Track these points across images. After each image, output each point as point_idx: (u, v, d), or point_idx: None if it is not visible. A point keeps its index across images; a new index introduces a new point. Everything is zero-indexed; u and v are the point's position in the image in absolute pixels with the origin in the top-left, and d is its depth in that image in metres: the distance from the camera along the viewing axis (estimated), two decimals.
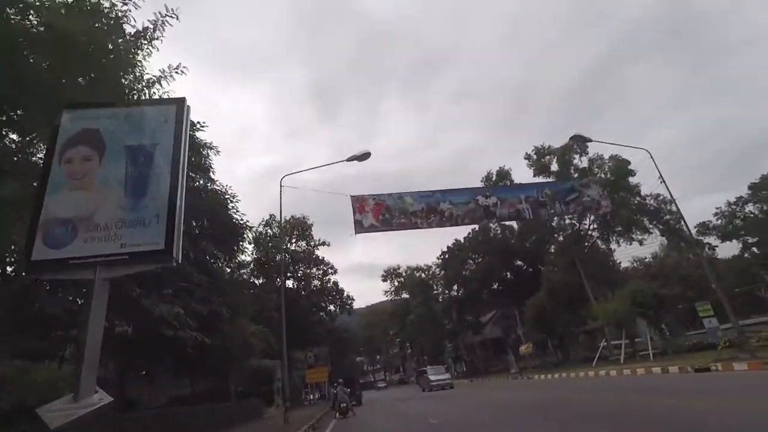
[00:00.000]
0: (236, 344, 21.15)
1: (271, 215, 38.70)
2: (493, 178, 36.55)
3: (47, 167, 5.23)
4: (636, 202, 31.10)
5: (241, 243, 22.47)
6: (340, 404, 17.84)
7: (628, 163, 30.33)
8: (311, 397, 37.99)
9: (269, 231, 37.93)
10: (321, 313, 38.59)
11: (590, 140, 21.36)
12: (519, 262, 46.40)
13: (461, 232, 50.49)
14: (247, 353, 28.54)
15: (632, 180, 30.68)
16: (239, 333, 21.51)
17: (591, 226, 32.15)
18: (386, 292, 76.18)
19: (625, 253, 57.07)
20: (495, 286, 49.83)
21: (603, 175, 30.74)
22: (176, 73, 6.44)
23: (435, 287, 61.49)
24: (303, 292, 37.01)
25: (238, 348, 21.31)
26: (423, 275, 62.35)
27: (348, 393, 19.34)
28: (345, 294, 38.72)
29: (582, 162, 31.60)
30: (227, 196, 19.48)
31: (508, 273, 46.49)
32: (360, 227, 14.30)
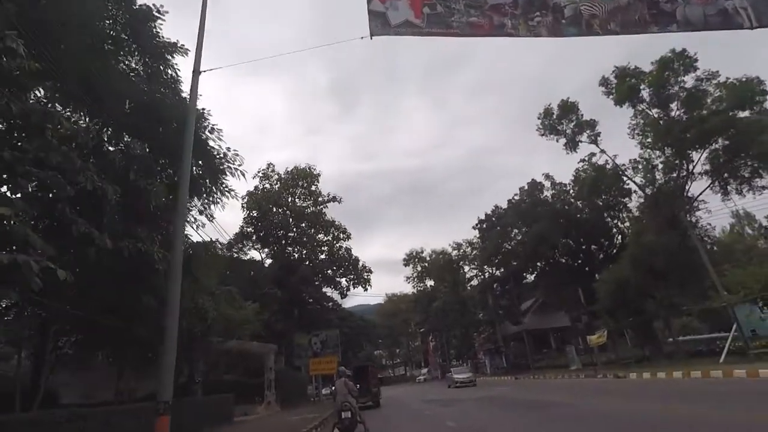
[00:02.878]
0: (196, 314, 13.54)
1: (269, 164, 31.25)
2: None
3: None
4: None
5: (221, 182, 15.23)
6: (342, 412, 9.98)
7: (760, 83, 21.40)
8: (318, 392, 30.37)
9: (266, 186, 30.38)
10: (330, 288, 30.80)
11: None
12: (567, 239, 37.53)
13: (501, 196, 41.79)
14: (225, 332, 21.08)
15: None
16: (203, 301, 13.90)
17: (697, 170, 23.13)
18: (408, 278, 68.22)
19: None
20: (542, 265, 41.10)
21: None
22: None
23: (467, 267, 53.06)
24: (308, 262, 29.33)
25: (197, 318, 13.64)
26: (453, 254, 53.96)
27: (357, 390, 11.56)
28: (360, 264, 30.82)
29: (686, 81, 22.66)
30: (205, 122, 14.07)
31: (560, 248, 37.74)
32: (380, 24, 6.38)
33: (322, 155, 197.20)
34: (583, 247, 36.42)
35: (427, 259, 66.78)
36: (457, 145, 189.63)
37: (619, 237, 34.49)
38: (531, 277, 42.84)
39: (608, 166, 27.39)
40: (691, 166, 23.06)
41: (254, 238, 28.56)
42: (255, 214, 27.90)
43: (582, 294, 28.51)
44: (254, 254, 30.44)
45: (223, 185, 15.97)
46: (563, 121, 27.39)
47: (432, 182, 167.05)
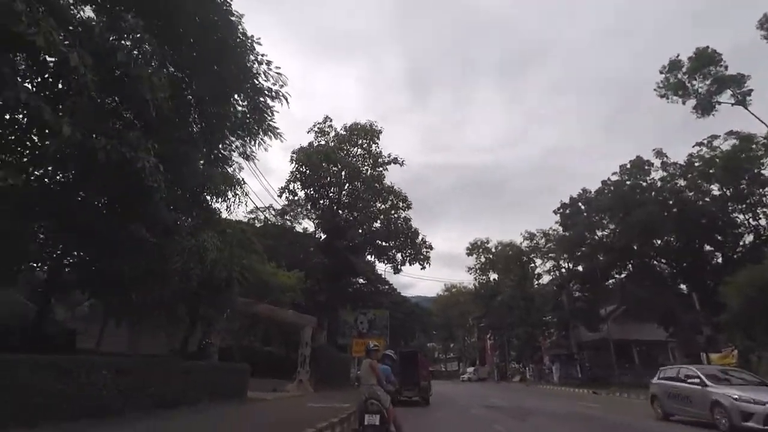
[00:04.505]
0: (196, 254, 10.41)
1: (326, 118, 27.94)
2: None
3: None
4: None
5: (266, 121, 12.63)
6: (366, 415, 6.18)
7: None
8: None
9: (321, 142, 27.18)
10: (383, 261, 27.10)
11: None
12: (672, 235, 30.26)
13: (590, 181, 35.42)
14: (255, 294, 18.19)
15: None
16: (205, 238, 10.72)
17: None
18: (470, 268, 63.23)
19: None
20: (633, 263, 34.41)
21: None
22: None
23: (538, 261, 47.04)
24: (360, 230, 25.84)
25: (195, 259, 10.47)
26: (524, 245, 48.14)
27: (397, 383, 7.59)
28: (420, 238, 26.74)
29: None
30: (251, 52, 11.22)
31: (662, 244, 30.89)
32: None
33: (391, 144, 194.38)
34: (696, 245, 29.39)
35: (493, 250, 61.36)
36: (529, 144, 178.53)
37: (750, 236, 27.20)
38: (618, 278, 36.15)
39: (760, 138, 20.67)
40: None
41: (301, 195, 25.55)
42: (304, 169, 24.86)
43: (697, 300, 22.35)
44: (308, 225, 27.66)
45: (268, 124, 12.91)
46: (696, 77, 21.02)
47: (500, 180, 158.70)
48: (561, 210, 36.08)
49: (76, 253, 10.93)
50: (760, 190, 24.95)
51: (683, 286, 33.68)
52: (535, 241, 46.52)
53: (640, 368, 39.98)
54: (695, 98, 21.55)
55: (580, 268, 35.64)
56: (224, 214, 12.93)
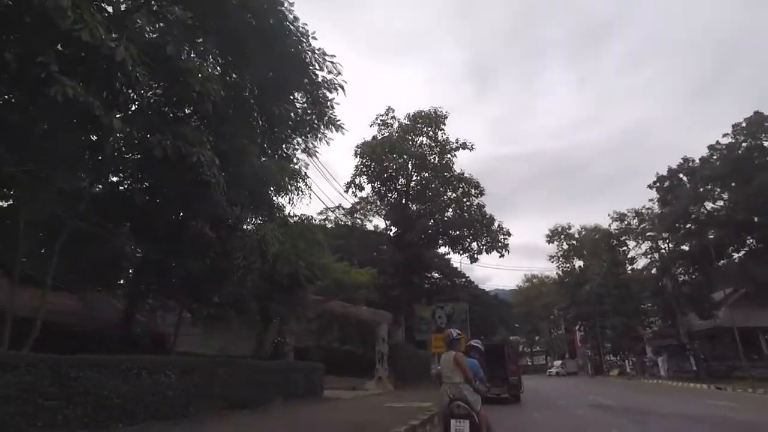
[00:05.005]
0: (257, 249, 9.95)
1: (388, 109, 27.00)
2: None
3: None
4: None
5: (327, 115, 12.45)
6: (452, 420, 4.97)
7: None
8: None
9: (385, 134, 26.32)
10: (458, 251, 25.60)
11: None
12: None
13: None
14: (328, 291, 17.77)
15: None
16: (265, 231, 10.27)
17: None
18: (551, 257, 59.42)
19: None
20: (754, 240, 29.47)
21: None
22: None
23: (631, 244, 42.41)
24: (431, 220, 24.61)
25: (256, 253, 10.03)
26: (613, 226, 43.78)
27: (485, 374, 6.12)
28: (496, 224, 24.86)
29: None
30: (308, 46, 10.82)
31: None
32: None
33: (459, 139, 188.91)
34: None
35: (576, 235, 57.04)
36: (606, 124, 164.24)
37: None
38: (736, 256, 31.16)
39: None
40: None
41: (368, 190, 24.90)
42: (369, 162, 24.15)
43: None
44: (378, 222, 27.08)
45: (329, 117, 12.45)
46: None
47: (577, 164, 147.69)
48: (658, 183, 31.78)
49: (151, 256, 11.02)
50: None
51: None
52: (626, 222, 42.00)
53: None
54: None
55: (685, 247, 31.14)
56: (288, 209, 12.50)
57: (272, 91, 11.46)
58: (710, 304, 37.13)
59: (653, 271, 38.19)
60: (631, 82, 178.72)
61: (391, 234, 25.64)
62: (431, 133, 25.81)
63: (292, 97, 12.37)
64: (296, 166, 12.93)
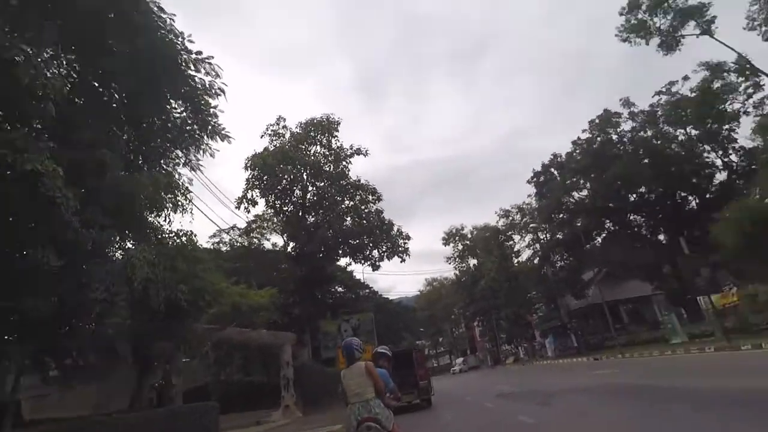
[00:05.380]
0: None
1: (279, 118, 25.71)
2: None
3: None
4: None
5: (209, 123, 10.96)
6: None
7: None
8: None
9: (277, 145, 24.94)
10: (359, 261, 25.11)
11: None
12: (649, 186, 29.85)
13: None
14: (221, 318, 15.89)
15: None
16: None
17: None
18: (448, 258, 62.20)
19: None
20: (611, 223, 33.97)
21: None
22: None
23: (516, 237, 46.24)
24: (330, 231, 23.78)
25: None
26: (500, 223, 47.33)
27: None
28: (396, 229, 24.93)
29: None
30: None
31: (637, 197, 30.43)
32: None
33: (354, 145, 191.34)
34: (670, 193, 29.03)
35: (469, 236, 60.53)
36: (490, 130, 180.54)
37: (723, 174, 27.04)
38: (599, 239, 35.66)
39: (728, 64, 20.14)
40: None
41: (262, 204, 23.26)
42: (260, 174, 22.55)
43: (685, 244, 21.65)
44: (277, 239, 25.43)
45: (213, 125, 11.03)
46: (657, 13, 20.29)
47: (467, 170, 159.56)
48: (534, 179, 35.19)
49: None
50: (728, 125, 24.79)
51: (661, 237, 33.55)
52: (510, 218, 45.78)
53: (631, 326, 39.80)
54: (658, 36, 20.94)
55: (560, 235, 34.77)
56: (166, 227, 10.72)
57: (143, 98, 9.87)
58: (582, 285, 41.99)
59: (536, 261, 41.94)
60: (506, 93, 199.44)
61: (290, 249, 24.26)
62: (325, 140, 25.13)
63: (169, 106, 10.86)
64: (175, 179, 11.25)
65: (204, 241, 21.55)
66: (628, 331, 37.62)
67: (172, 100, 10.75)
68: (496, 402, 12.95)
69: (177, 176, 11.78)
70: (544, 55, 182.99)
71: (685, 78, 25.27)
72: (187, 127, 11.31)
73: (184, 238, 10.07)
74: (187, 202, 11.36)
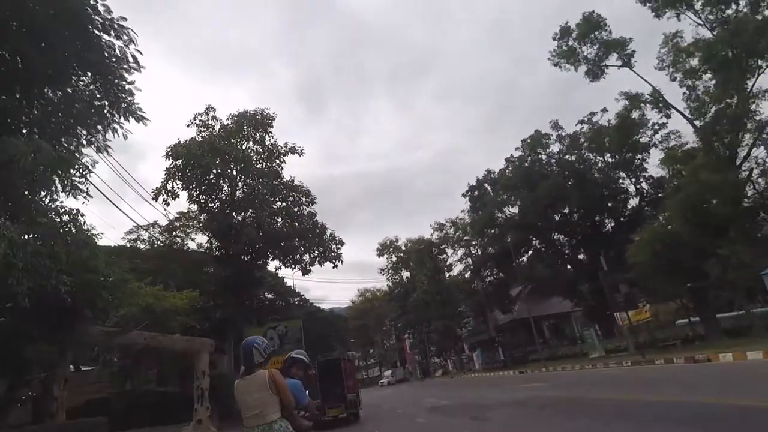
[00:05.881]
0: None
1: (208, 107, 23.87)
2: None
3: None
4: None
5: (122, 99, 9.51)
6: None
7: None
8: None
9: (201, 134, 23.07)
10: (289, 265, 23.73)
11: None
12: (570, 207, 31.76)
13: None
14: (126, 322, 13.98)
15: None
16: None
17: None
18: (382, 270, 61.99)
19: None
20: (537, 241, 35.50)
21: None
22: None
23: (450, 251, 47.03)
24: (260, 232, 22.23)
25: None
26: (434, 236, 47.92)
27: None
28: (329, 233, 23.89)
29: None
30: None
31: (560, 217, 32.06)
32: None
33: (292, 159, 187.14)
34: (590, 214, 31.00)
35: (403, 248, 60.77)
36: (423, 148, 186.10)
37: (637, 199, 29.34)
38: (527, 256, 37.13)
39: (644, 95, 21.84)
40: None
41: (181, 197, 21.16)
42: (182, 165, 20.54)
43: (605, 262, 22.98)
44: (203, 240, 23.31)
45: (128, 104, 9.54)
46: (585, 42, 21.62)
47: (402, 183, 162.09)
48: (469, 192, 35.97)
49: None
50: (640, 155, 27.01)
51: (582, 256, 35.63)
52: (444, 231, 46.49)
53: (552, 341, 41.83)
54: (585, 64, 22.36)
55: (492, 250, 35.72)
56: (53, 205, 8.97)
57: (42, 65, 8.29)
58: (509, 300, 43.57)
59: (467, 274, 42.81)
60: (442, 113, 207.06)
61: (214, 247, 22.34)
62: (258, 136, 23.61)
63: (75, 78, 9.30)
64: (74, 156, 9.58)
65: (119, 237, 19.07)
66: (549, 345, 39.44)
67: (80, 71, 9.30)
68: (428, 416, 12.35)
69: (79, 155, 10.18)
70: (484, 78, 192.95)
71: (604, 110, 27.70)
72: (96, 102, 9.83)
73: (66, 217, 8.40)
74: (84, 183, 9.75)
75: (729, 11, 18.10)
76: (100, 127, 10.54)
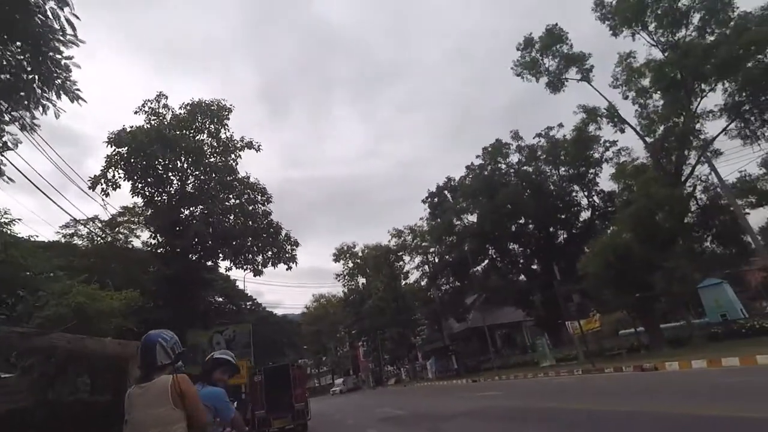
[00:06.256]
0: None
1: (159, 94, 22.30)
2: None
3: None
4: None
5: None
6: None
7: None
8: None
9: (151, 122, 21.49)
10: (240, 266, 22.45)
11: None
12: (526, 218, 32.56)
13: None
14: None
15: None
16: None
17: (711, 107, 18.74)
18: (338, 275, 60.89)
19: None
20: (493, 250, 35.97)
21: None
22: None
23: (407, 258, 46.80)
24: (210, 229, 20.86)
25: None
26: (392, 242, 47.56)
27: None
28: (284, 234, 22.82)
29: None
30: None
31: (516, 227, 32.66)
32: None
33: (251, 161, 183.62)
34: (545, 226, 31.79)
35: (360, 254, 60.04)
36: (385, 156, 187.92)
37: (589, 212, 30.40)
38: (482, 265, 37.51)
39: (601, 110, 22.60)
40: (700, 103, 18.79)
41: (123, 187, 19.44)
42: (125, 153, 18.91)
43: (558, 272, 23.46)
44: (147, 236, 21.56)
45: (63, 80, 8.49)
46: (547, 54, 22.16)
47: (362, 190, 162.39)
48: (429, 199, 35.98)
49: None
50: (593, 169, 28.09)
51: (535, 267, 36.45)
52: (402, 238, 46.28)
53: (504, 350, 42.39)
54: (547, 76, 22.94)
55: (449, 258, 35.79)
56: None
57: None
58: (464, 308, 43.82)
59: (424, 282, 42.71)
60: (405, 123, 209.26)
61: (159, 243, 20.72)
62: (213, 128, 22.30)
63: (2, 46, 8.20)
64: None
65: (53, 232, 17.14)
66: (502, 354, 39.92)
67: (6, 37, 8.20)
68: (380, 427, 11.70)
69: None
70: (447, 92, 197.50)
71: (560, 125, 28.79)
72: (25, 76, 8.67)
73: None
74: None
75: (680, 34, 19.14)
76: (27, 102, 9.39)
